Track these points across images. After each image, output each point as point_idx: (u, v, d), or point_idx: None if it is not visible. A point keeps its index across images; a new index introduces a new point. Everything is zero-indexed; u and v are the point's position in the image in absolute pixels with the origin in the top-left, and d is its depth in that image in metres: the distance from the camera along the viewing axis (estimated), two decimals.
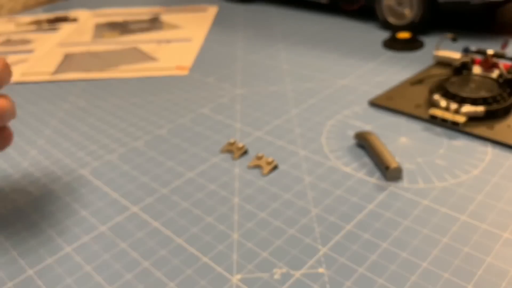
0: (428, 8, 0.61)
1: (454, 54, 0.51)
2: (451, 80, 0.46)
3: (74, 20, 0.85)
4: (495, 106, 0.42)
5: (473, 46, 0.50)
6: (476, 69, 0.47)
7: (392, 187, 0.36)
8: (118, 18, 0.84)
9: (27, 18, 0.88)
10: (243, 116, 0.48)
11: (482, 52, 0.48)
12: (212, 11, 0.83)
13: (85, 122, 0.50)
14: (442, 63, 0.53)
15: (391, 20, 0.64)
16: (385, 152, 0.37)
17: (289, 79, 0.55)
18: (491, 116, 0.42)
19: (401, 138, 0.41)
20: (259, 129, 0.45)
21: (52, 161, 0.43)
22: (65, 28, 0.81)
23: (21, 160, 0.44)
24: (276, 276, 0.29)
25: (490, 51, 0.47)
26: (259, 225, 0.33)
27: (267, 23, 0.74)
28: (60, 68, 0.64)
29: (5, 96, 0.30)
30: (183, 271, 0.30)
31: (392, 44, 0.60)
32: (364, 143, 0.40)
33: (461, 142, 0.40)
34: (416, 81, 0.50)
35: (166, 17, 0.82)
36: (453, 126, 0.41)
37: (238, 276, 0.29)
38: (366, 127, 0.43)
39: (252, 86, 0.54)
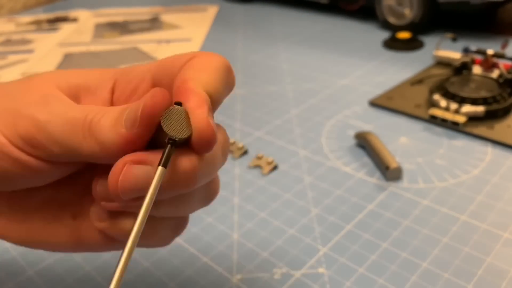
0: (428, 8, 0.61)
1: (454, 54, 0.51)
2: (451, 80, 0.46)
3: (74, 20, 0.85)
4: (495, 106, 0.42)
5: (473, 46, 0.50)
6: (476, 69, 0.47)
7: (392, 187, 0.36)
8: (118, 18, 0.84)
9: (27, 18, 0.88)
10: (243, 116, 0.48)
11: (482, 52, 0.48)
12: (212, 11, 0.83)
13: None
14: (442, 63, 0.53)
15: (391, 20, 0.64)
16: (385, 152, 0.37)
17: (289, 79, 0.55)
18: (491, 116, 0.42)
19: (401, 138, 0.41)
20: (259, 129, 0.45)
21: None
22: (65, 28, 0.81)
23: None
24: (276, 276, 0.29)
25: (490, 51, 0.47)
26: (259, 225, 0.33)
27: (267, 23, 0.74)
28: (60, 68, 0.64)
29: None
30: (183, 271, 0.30)
31: (392, 44, 0.60)
32: (364, 143, 0.40)
33: (461, 142, 0.40)
34: (416, 81, 0.50)
35: (166, 17, 0.82)
36: (453, 126, 0.41)
37: (238, 276, 0.29)
38: (366, 127, 0.43)
39: (252, 86, 0.54)
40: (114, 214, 0.20)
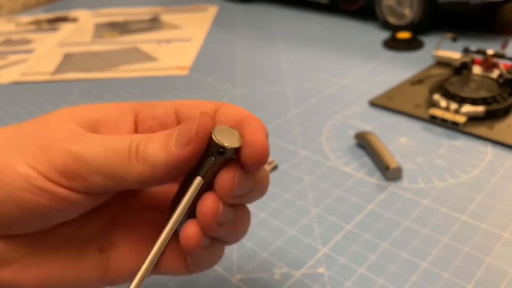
0: (428, 8, 0.61)
1: (454, 54, 0.51)
2: (451, 80, 0.46)
3: (74, 20, 0.85)
4: (495, 106, 0.42)
5: (473, 46, 0.50)
6: (476, 69, 0.47)
7: (392, 187, 0.36)
8: (118, 18, 0.84)
9: (27, 18, 0.88)
10: None
11: (482, 52, 0.48)
12: (212, 11, 0.83)
13: None
14: (442, 63, 0.53)
15: (391, 20, 0.64)
16: (385, 152, 0.37)
17: (289, 79, 0.55)
18: (491, 116, 0.42)
19: (401, 138, 0.41)
20: None
21: None
22: (65, 28, 0.81)
23: None
24: (276, 276, 0.29)
25: (490, 51, 0.47)
26: (259, 225, 0.33)
27: (267, 23, 0.74)
28: (60, 68, 0.64)
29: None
30: None
31: (392, 44, 0.60)
32: (364, 143, 0.40)
33: (461, 142, 0.40)
34: (416, 81, 0.50)
35: (166, 17, 0.82)
36: (453, 126, 0.41)
37: (238, 276, 0.29)
38: (366, 127, 0.43)
39: (252, 86, 0.54)
40: (211, 240, 0.21)
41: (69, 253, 0.21)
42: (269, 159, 0.39)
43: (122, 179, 0.19)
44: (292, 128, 0.45)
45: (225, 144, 0.19)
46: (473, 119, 0.42)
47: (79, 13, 0.89)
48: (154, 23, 0.79)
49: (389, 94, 0.48)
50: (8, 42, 0.76)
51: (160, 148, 0.19)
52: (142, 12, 0.86)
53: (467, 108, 0.42)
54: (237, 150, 0.19)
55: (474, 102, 0.42)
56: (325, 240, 0.31)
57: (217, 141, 0.19)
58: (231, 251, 0.31)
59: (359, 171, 0.38)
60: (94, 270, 0.21)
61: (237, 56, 0.63)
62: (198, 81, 0.57)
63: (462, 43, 0.56)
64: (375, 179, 0.37)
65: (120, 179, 0.19)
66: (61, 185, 0.19)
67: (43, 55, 0.69)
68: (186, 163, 0.19)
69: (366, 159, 0.39)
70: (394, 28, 0.64)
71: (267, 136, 0.19)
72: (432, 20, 0.63)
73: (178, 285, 0.29)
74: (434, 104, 0.44)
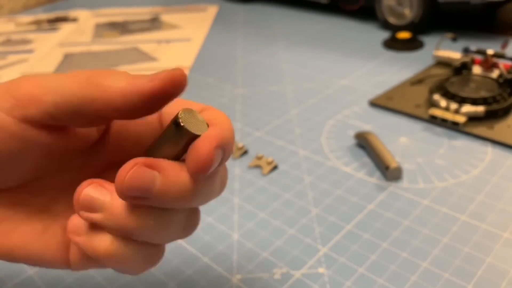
0: (428, 8, 0.61)
1: (454, 54, 0.51)
2: (451, 80, 0.46)
3: (74, 20, 0.85)
4: (495, 106, 0.42)
5: (473, 46, 0.50)
6: (476, 69, 0.47)
7: (392, 187, 0.36)
8: (118, 18, 0.84)
9: (27, 18, 0.88)
10: (243, 116, 0.48)
11: (482, 52, 0.48)
12: (212, 11, 0.83)
13: None
14: (442, 63, 0.53)
15: (391, 20, 0.64)
16: (385, 152, 0.37)
17: (289, 79, 0.55)
18: (491, 116, 0.42)
19: (401, 138, 0.41)
20: (259, 129, 0.45)
21: None
22: (65, 28, 0.81)
23: None
24: (276, 276, 0.29)
25: (490, 51, 0.47)
26: (259, 225, 0.33)
27: (267, 23, 0.74)
28: (60, 68, 0.64)
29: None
30: (183, 271, 0.30)
31: (392, 44, 0.60)
32: (364, 143, 0.40)
33: (461, 142, 0.40)
34: (416, 81, 0.50)
35: (166, 17, 0.82)
36: (453, 126, 0.41)
37: (238, 276, 0.29)
38: (366, 127, 0.43)
39: (252, 86, 0.54)
40: (92, 230, 0.20)
41: (36, 226, 0.22)
42: (269, 159, 0.39)
43: (78, 103, 0.19)
44: (292, 128, 0.45)
45: (182, 122, 0.18)
46: (473, 119, 0.42)
47: (79, 13, 0.89)
48: (154, 23, 0.79)
49: (389, 94, 0.48)
50: (8, 42, 0.76)
51: (121, 77, 0.19)
52: (142, 12, 0.86)
53: (467, 108, 0.42)
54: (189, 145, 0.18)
55: (474, 102, 0.42)
56: (325, 240, 0.31)
57: (178, 114, 0.18)
58: (231, 251, 0.31)
59: (359, 171, 0.38)
60: (57, 248, 0.22)
61: (237, 56, 0.63)
62: (198, 81, 0.57)
63: (462, 43, 0.56)
64: (375, 179, 0.37)
65: (76, 103, 0.19)
66: (16, 117, 0.19)
67: (43, 55, 0.69)
68: (145, 98, 0.18)
69: (366, 159, 0.39)
70: (394, 28, 0.64)
71: (220, 145, 0.18)
72: (432, 20, 0.63)
73: (178, 285, 0.29)
74: (434, 104, 0.44)
